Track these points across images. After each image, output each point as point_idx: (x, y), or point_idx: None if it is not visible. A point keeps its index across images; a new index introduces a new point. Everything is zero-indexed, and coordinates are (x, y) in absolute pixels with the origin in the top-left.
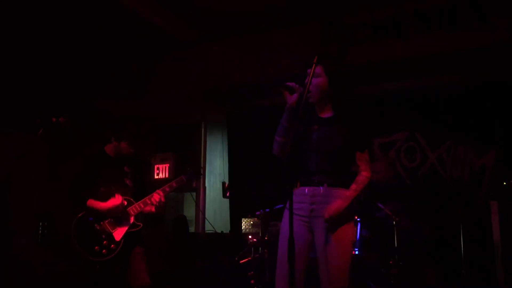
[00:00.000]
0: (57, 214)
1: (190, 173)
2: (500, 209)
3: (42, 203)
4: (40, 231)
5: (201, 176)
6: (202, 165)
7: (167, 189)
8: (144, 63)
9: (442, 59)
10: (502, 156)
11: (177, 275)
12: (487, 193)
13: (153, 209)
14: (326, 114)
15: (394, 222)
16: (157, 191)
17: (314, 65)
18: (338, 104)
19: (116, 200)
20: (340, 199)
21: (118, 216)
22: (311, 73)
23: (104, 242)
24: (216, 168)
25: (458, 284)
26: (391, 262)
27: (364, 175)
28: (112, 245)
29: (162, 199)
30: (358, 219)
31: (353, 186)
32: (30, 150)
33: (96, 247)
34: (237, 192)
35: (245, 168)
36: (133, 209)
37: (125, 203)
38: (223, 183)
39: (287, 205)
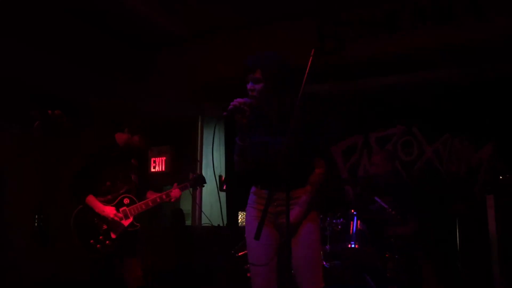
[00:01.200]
0: (53, 210)
1: (194, 181)
2: (496, 203)
3: (38, 199)
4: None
5: (205, 184)
6: (198, 159)
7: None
8: (141, 59)
9: (438, 54)
10: (498, 151)
11: (173, 268)
12: (483, 187)
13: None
14: (276, 116)
15: (390, 215)
16: (163, 196)
17: (311, 57)
18: (287, 103)
19: (110, 211)
20: (298, 206)
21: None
22: (307, 70)
23: (100, 237)
24: (212, 161)
25: (454, 277)
26: (387, 256)
27: (316, 173)
28: (108, 241)
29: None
30: (355, 213)
31: (308, 188)
32: (25, 145)
33: (92, 241)
34: (233, 186)
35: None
36: (133, 209)
37: (127, 201)
38: (220, 177)
39: (251, 204)
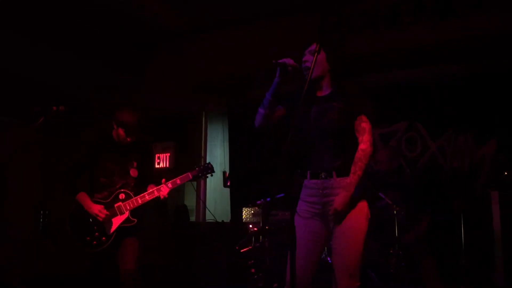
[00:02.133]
0: (53, 205)
1: (201, 170)
2: (500, 199)
3: (40, 193)
4: (41, 221)
5: (213, 173)
6: (202, 155)
7: (170, 186)
8: (142, 52)
9: (441, 48)
10: (502, 147)
11: (178, 264)
12: (487, 183)
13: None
14: (325, 92)
15: (394, 212)
16: (161, 188)
17: (316, 54)
18: (335, 80)
19: (95, 208)
20: (343, 189)
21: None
22: (315, 56)
23: (96, 233)
24: (216, 158)
25: (458, 273)
26: (391, 251)
27: (360, 150)
28: (103, 238)
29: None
30: None
31: (352, 169)
32: (27, 139)
33: (88, 238)
34: (237, 182)
35: (245, 157)
36: (129, 204)
37: (123, 196)
38: (224, 173)
39: (303, 198)
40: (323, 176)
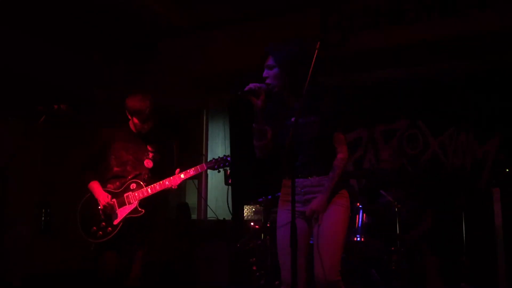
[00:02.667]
0: (56, 202)
1: (217, 161)
2: (502, 196)
3: (42, 191)
4: (42, 219)
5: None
6: (203, 152)
7: (183, 176)
8: (143, 51)
9: (443, 45)
10: (504, 144)
11: (179, 262)
12: (489, 180)
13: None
14: (295, 103)
15: (396, 209)
16: (173, 178)
17: (316, 50)
18: (303, 90)
19: (103, 198)
20: (320, 194)
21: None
22: (313, 60)
23: (102, 223)
24: (218, 155)
25: (459, 270)
26: (393, 249)
27: (339, 158)
28: (109, 228)
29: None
30: (360, 206)
31: (330, 174)
32: (29, 137)
33: (94, 228)
34: (239, 179)
35: (247, 155)
36: (138, 194)
37: (134, 186)
38: (225, 170)
39: (283, 197)
40: (302, 176)
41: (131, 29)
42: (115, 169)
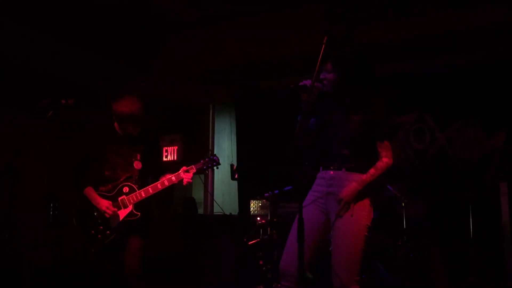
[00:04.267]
0: (63, 196)
1: (205, 162)
2: (509, 190)
3: (50, 185)
4: (51, 213)
5: (218, 165)
6: (210, 147)
7: (174, 179)
8: (149, 45)
9: (451, 38)
10: (511, 137)
11: (185, 257)
12: (496, 174)
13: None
14: (344, 100)
15: (403, 204)
16: (165, 182)
17: (323, 45)
18: (356, 90)
19: (103, 204)
20: (355, 182)
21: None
22: (319, 57)
23: (100, 227)
24: (224, 150)
25: (466, 264)
26: (399, 243)
27: (384, 161)
28: (107, 231)
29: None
30: None
31: (371, 171)
32: (37, 132)
33: (92, 231)
34: (245, 174)
35: (253, 150)
36: (132, 198)
37: (127, 189)
38: (232, 165)
39: (313, 187)
40: (333, 168)
41: (138, 23)
42: (106, 172)
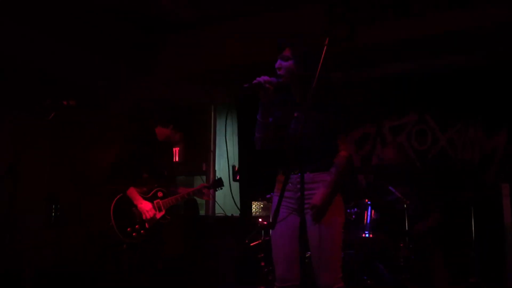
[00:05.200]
0: (64, 197)
1: (213, 184)
2: (511, 191)
3: (51, 186)
4: (52, 214)
5: (222, 187)
6: (211, 148)
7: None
8: (150, 45)
9: (451, 38)
10: None
11: (187, 258)
12: (497, 175)
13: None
14: (302, 98)
15: (404, 205)
16: (191, 193)
17: (325, 46)
18: (313, 87)
19: (146, 206)
20: (323, 187)
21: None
22: (323, 55)
23: (136, 226)
24: (225, 151)
25: (467, 266)
26: (401, 245)
27: (342, 156)
28: (142, 231)
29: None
30: (369, 202)
31: (333, 170)
32: (37, 132)
33: (129, 229)
34: (247, 175)
35: (255, 151)
36: (167, 203)
37: (161, 194)
38: (233, 166)
39: (276, 192)
40: (299, 171)
41: (138, 22)
42: (144, 175)
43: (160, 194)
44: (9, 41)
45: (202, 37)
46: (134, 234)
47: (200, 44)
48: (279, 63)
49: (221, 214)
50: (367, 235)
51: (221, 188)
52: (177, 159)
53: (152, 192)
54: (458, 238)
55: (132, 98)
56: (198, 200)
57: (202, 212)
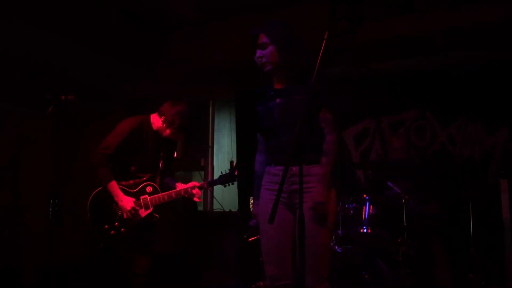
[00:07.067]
0: (66, 193)
1: (224, 178)
2: (510, 187)
3: (52, 182)
4: (54, 209)
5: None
6: (210, 144)
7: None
8: (153, 41)
9: (453, 36)
10: None
11: (185, 253)
12: (497, 171)
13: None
14: (283, 85)
15: (403, 201)
16: (191, 191)
17: (324, 41)
18: (293, 71)
19: (128, 203)
20: (319, 182)
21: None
22: (320, 53)
23: (116, 223)
24: (224, 147)
25: (467, 261)
26: (399, 240)
27: (329, 140)
28: (123, 229)
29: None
30: (367, 198)
31: (323, 160)
32: (39, 128)
33: (106, 226)
34: (245, 171)
35: (253, 146)
36: (155, 200)
37: (150, 189)
38: (231, 162)
39: (265, 185)
40: (291, 164)
41: (141, 19)
42: (132, 168)
43: (149, 189)
44: (14, 38)
45: (202, 34)
46: (112, 232)
47: (202, 41)
48: (259, 52)
49: (220, 210)
50: (365, 231)
51: (233, 183)
52: (175, 155)
53: (140, 187)
54: (458, 234)
55: (134, 94)
56: None
57: (200, 208)
